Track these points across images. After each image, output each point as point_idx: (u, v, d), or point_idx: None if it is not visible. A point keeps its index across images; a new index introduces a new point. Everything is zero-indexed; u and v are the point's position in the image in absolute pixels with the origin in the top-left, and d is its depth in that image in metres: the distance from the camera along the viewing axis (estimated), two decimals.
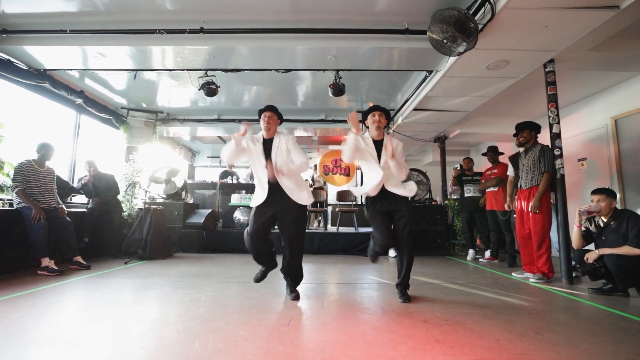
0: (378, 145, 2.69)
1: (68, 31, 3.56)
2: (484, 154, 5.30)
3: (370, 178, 2.70)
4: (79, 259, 3.85)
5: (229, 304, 2.48)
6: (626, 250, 2.70)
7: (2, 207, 3.77)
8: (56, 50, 3.90)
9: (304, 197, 2.62)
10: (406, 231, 2.57)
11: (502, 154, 5.11)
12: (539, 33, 3.16)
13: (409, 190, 2.64)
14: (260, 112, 2.75)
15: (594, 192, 3.05)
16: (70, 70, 4.53)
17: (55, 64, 4.28)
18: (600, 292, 2.97)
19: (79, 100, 5.00)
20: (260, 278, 2.81)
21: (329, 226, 7.10)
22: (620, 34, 3.30)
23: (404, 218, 2.59)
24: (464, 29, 2.92)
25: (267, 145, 2.68)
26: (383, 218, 2.63)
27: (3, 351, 1.59)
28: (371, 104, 2.77)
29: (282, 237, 2.67)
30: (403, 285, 2.66)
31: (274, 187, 2.58)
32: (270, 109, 2.73)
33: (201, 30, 3.49)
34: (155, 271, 3.79)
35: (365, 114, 2.79)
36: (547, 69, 3.71)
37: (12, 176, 3.66)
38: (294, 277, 2.72)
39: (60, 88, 4.66)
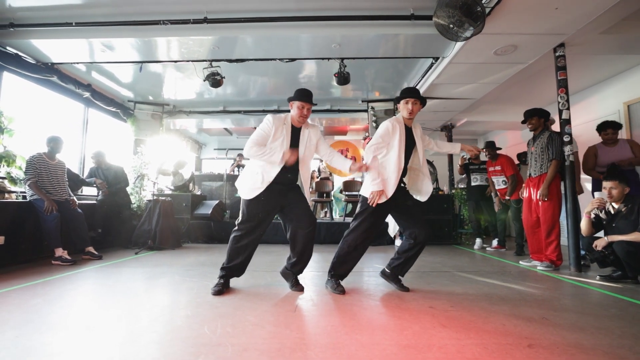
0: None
1: (74, 24, 3.59)
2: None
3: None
4: (91, 249, 3.94)
5: (236, 292, 2.53)
6: (636, 236, 2.67)
7: (16, 199, 3.87)
8: (63, 44, 3.94)
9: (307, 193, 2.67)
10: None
11: (499, 148, 5.00)
12: (548, 15, 3.08)
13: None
14: (297, 99, 2.52)
15: (606, 178, 3.00)
16: (77, 63, 4.57)
17: (62, 57, 4.33)
18: (609, 279, 2.95)
19: (87, 94, 5.07)
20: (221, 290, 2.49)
21: (335, 216, 7.12)
22: (634, 15, 3.20)
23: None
24: (471, 13, 2.87)
25: (295, 133, 2.57)
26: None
27: (22, 334, 1.65)
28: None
29: (292, 225, 2.61)
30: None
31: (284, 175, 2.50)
32: (312, 101, 2.56)
33: (205, 20, 3.49)
34: (165, 261, 3.87)
35: (398, 99, 2.60)
36: (557, 54, 3.63)
37: (24, 169, 3.74)
38: (305, 264, 2.68)
39: (67, 82, 4.72)
